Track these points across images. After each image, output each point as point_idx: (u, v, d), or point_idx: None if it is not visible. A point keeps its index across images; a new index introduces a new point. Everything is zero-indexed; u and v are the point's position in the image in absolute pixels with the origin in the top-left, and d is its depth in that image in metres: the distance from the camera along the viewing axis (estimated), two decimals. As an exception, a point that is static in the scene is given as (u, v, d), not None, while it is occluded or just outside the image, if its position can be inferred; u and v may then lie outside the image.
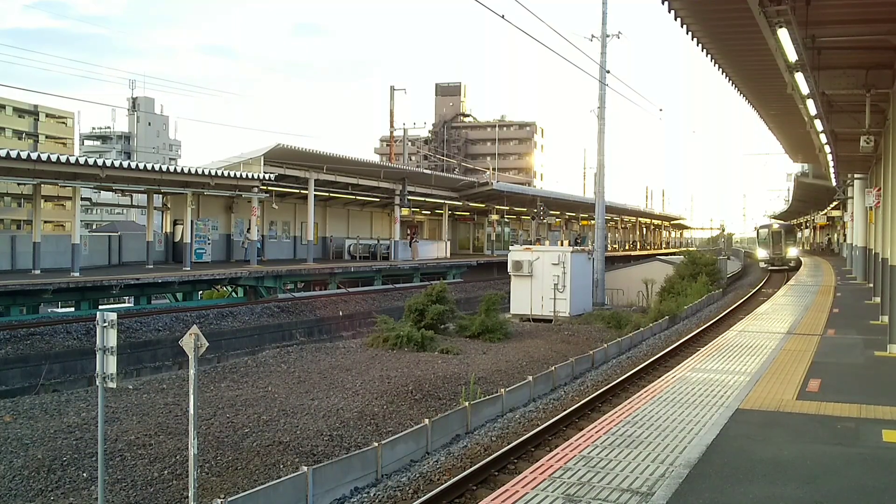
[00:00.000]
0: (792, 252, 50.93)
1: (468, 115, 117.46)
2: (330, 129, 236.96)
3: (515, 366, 18.04)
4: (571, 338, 22.81)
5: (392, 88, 54.40)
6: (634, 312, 29.07)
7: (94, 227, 71.16)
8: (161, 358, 21.31)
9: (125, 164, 27.40)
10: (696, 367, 10.90)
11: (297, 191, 36.66)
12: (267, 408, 13.05)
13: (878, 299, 18.36)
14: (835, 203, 50.51)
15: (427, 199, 46.71)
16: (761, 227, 57.12)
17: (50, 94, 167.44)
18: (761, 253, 54.21)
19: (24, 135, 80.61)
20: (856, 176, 30.24)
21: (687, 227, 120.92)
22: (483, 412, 13.34)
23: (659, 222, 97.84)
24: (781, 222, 63.43)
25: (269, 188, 33.73)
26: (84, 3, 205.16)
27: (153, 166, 27.78)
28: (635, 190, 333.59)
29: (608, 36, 32.84)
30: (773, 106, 19.28)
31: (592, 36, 32.95)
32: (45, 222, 50.56)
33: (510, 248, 31.98)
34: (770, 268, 50.75)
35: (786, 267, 48.29)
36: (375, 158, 72.82)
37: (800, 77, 12.27)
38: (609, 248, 57.08)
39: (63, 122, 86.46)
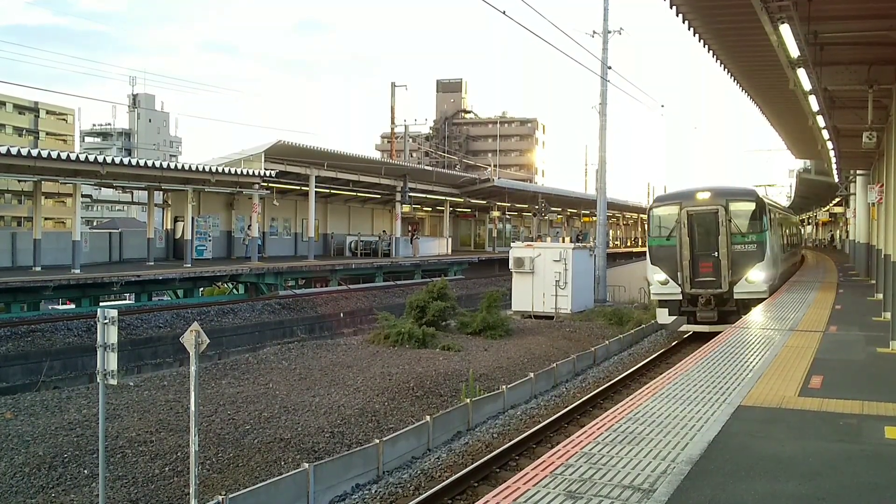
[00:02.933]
0: (756, 275, 19.58)
1: (469, 112, 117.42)
2: (331, 126, 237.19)
3: (517, 362, 18.03)
4: (573, 334, 22.79)
5: (393, 85, 54.30)
6: (636, 309, 29.04)
7: (94, 223, 71.16)
8: (162, 355, 21.35)
9: (126, 160, 27.46)
10: (697, 363, 10.87)
11: (298, 187, 36.65)
12: (268, 405, 13.05)
13: (880, 296, 18.30)
14: (837, 199, 47.65)
15: (428, 196, 46.72)
16: (659, 202, 22.01)
17: (50, 90, 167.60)
18: (655, 276, 20.57)
19: (24, 131, 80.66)
20: (858, 172, 30.14)
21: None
22: (484, 409, 13.36)
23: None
24: (722, 187, 21.31)
25: (270, 185, 33.74)
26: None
27: (154, 163, 27.80)
28: (637, 186, 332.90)
29: (610, 32, 32.74)
30: (775, 102, 19.23)
31: (594, 32, 32.84)
32: (46, 219, 50.56)
33: (511, 244, 32.01)
34: (684, 326, 20.80)
35: (719, 328, 16.80)
36: (377, 155, 72.78)
37: (802, 73, 12.23)
38: (611, 245, 57.03)
39: (63, 119, 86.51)
